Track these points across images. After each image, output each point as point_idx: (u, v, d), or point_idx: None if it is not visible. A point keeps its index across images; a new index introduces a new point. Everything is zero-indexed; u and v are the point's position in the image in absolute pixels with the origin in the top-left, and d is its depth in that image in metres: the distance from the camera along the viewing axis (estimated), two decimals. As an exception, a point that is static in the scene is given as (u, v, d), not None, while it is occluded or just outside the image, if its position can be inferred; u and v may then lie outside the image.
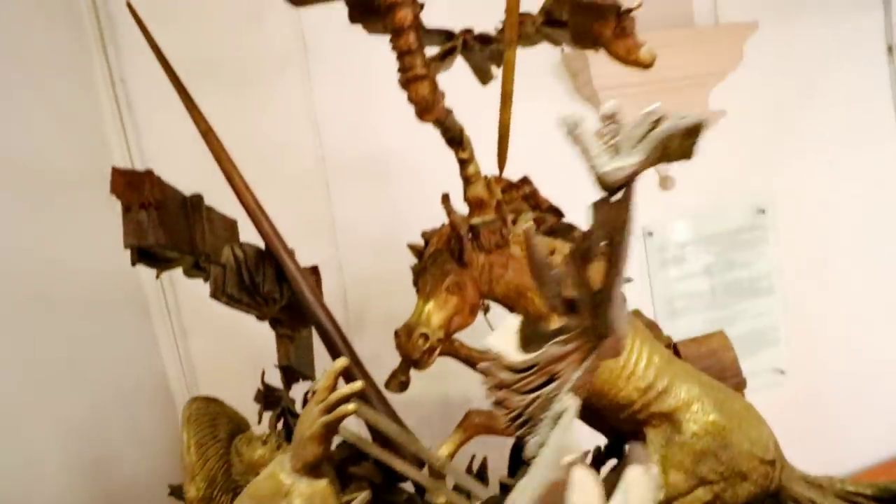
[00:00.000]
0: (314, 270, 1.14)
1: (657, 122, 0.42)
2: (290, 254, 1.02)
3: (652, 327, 1.41)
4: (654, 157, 0.45)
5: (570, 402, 0.46)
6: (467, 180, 1.07)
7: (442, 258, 1.01)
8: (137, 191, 0.83)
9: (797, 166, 2.26)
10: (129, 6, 0.88)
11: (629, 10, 0.76)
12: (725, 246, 2.23)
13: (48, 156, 1.31)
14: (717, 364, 1.21)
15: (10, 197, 1.13)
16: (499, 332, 0.60)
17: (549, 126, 2.15)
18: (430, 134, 1.04)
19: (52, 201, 1.27)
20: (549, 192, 1.98)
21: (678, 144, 0.47)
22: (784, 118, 2.24)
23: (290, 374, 1.13)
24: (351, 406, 0.59)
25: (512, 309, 1.16)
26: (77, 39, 1.55)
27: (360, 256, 1.84)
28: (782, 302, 2.27)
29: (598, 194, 0.52)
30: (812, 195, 2.28)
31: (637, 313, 1.44)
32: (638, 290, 2.13)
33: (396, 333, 0.93)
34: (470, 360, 1.24)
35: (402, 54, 0.77)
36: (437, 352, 0.94)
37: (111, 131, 1.63)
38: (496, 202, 1.10)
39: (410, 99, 0.82)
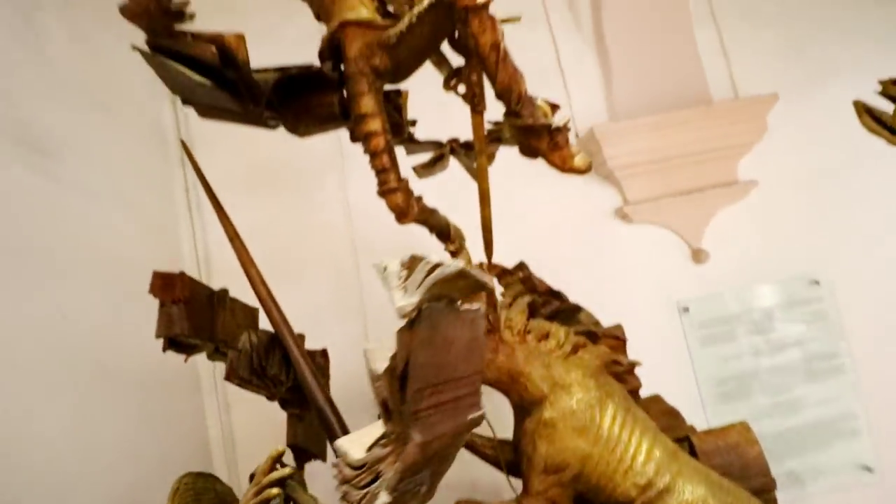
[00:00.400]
0: (323, 353, 1.25)
1: (432, 270, 0.47)
2: (298, 339, 1.14)
3: (671, 415, 1.34)
4: (433, 295, 0.51)
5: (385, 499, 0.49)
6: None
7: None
8: (171, 289, 1.01)
9: (850, 233, 2.10)
10: (182, 142, 1.13)
11: (559, 128, 0.85)
12: (776, 321, 2.05)
13: (126, 251, 1.59)
14: (738, 460, 1.11)
15: (88, 285, 1.39)
16: (354, 434, 0.65)
17: (570, 204, 2.21)
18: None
19: (123, 290, 1.53)
20: (571, 267, 2.02)
21: (461, 284, 0.53)
22: (827, 185, 2.13)
23: (300, 452, 1.21)
24: (275, 490, 0.65)
25: (506, 393, 1.18)
26: (161, 157, 1.93)
27: (388, 335, 1.95)
28: (855, 385, 2.01)
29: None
30: (871, 262, 2.08)
31: (656, 399, 1.38)
32: (676, 370, 2.00)
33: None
34: (473, 445, 1.24)
35: (378, 172, 0.91)
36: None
37: (183, 228, 1.95)
38: (489, 293, 1.16)
39: (388, 206, 0.95)
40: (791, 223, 2.11)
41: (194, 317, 1.03)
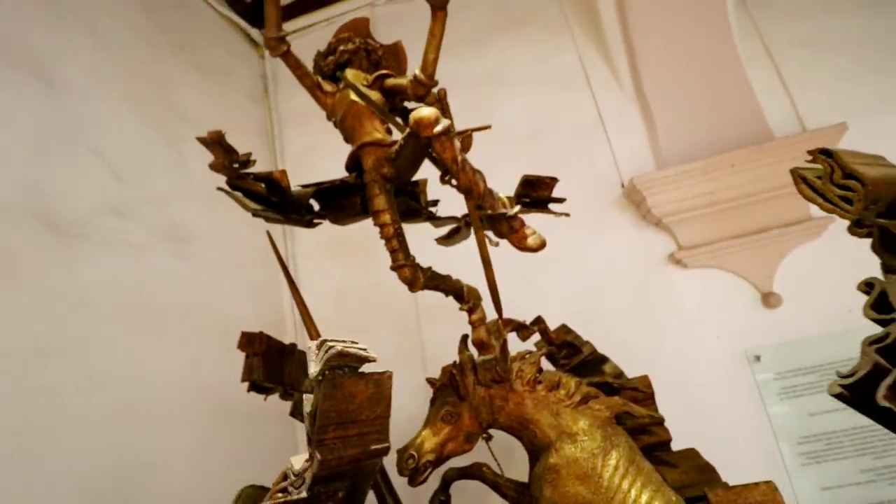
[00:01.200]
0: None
1: (328, 350, 0.66)
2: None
3: (705, 470, 1.32)
4: (331, 365, 0.70)
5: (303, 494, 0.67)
6: (472, 325, 1.34)
7: (446, 391, 1.26)
8: (251, 345, 1.35)
9: None
10: (268, 233, 1.51)
11: (513, 216, 1.01)
12: (879, 372, 1.81)
13: (240, 312, 2.06)
14: (757, 522, 1.07)
15: (211, 340, 1.83)
16: (302, 454, 0.84)
17: (624, 252, 2.25)
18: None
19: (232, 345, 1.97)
20: (626, 316, 2.03)
21: (347, 359, 0.72)
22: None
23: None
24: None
25: (519, 438, 1.30)
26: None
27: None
28: None
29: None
30: None
31: (691, 453, 1.37)
32: (748, 425, 1.86)
33: (397, 452, 1.18)
34: (497, 486, 1.36)
35: (391, 252, 1.17)
36: (428, 472, 1.15)
37: (284, 294, 2.41)
38: (502, 342, 1.31)
39: (399, 279, 1.19)
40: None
41: (269, 366, 1.36)
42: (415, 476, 1.14)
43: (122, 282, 1.60)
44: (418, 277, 1.19)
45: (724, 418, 1.90)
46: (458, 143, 0.97)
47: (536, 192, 1.36)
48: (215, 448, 1.73)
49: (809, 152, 0.85)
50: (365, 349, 0.71)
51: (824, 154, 0.79)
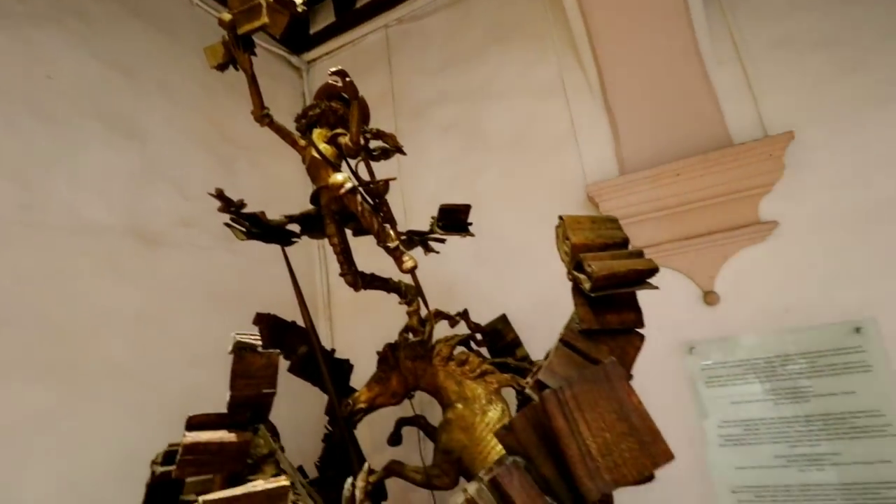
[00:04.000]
0: (347, 361, 2.06)
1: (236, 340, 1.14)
2: (326, 351, 1.98)
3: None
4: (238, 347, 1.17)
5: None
6: (408, 315, 1.82)
7: (383, 362, 1.77)
8: (262, 322, 1.96)
9: None
10: (283, 249, 2.09)
11: (394, 248, 1.44)
12: (808, 371, 1.95)
13: (278, 295, 2.72)
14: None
15: (252, 317, 2.51)
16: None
17: None
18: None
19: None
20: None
21: (248, 354, 1.18)
22: (866, 221, 1.91)
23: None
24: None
25: (434, 397, 1.77)
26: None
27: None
28: (907, 448, 1.77)
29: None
30: None
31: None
32: (680, 409, 2.11)
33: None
34: (402, 475, 1.79)
35: (339, 263, 1.67)
36: (361, 415, 1.68)
37: (317, 278, 3.05)
38: (428, 330, 1.78)
39: (345, 282, 1.70)
40: (825, 264, 1.97)
41: (273, 336, 1.97)
42: (351, 417, 1.68)
43: (191, 274, 2.30)
44: (359, 282, 1.69)
45: (657, 400, 2.13)
46: (359, 198, 1.43)
47: (454, 218, 1.75)
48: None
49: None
50: (257, 338, 1.20)
51: (560, 217, 1.10)
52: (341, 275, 1.69)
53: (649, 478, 0.74)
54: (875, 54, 1.98)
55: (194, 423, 1.10)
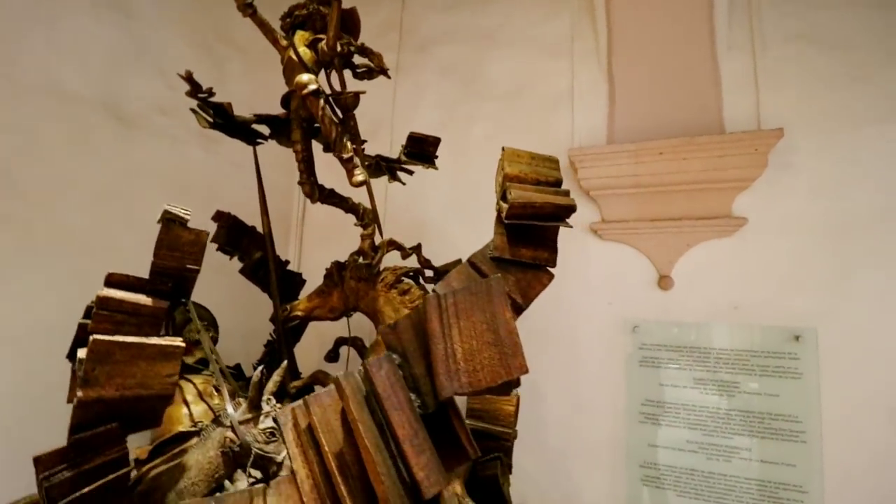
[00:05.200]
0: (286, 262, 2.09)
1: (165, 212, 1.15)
2: (280, 260, 2.00)
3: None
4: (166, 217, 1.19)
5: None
6: (362, 238, 1.83)
7: (329, 277, 1.80)
8: (221, 219, 1.97)
9: (848, 291, 1.85)
10: (254, 150, 2.07)
11: (348, 159, 1.43)
12: (739, 367, 2.00)
13: (248, 203, 2.72)
14: (493, 409, 1.50)
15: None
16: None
17: None
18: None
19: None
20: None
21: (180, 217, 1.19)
22: (833, 234, 1.90)
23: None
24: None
25: (371, 320, 1.81)
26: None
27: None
28: (815, 456, 1.83)
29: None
30: (866, 326, 1.80)
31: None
32: (612, 382, 2.17)
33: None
34: (324, 384, 1.85)
35: (299, 171, 1.66)
36: (295, 321, 1.73)
37: (293, 193, 3.05)
38: (379, 256, 1.79)
39: (302, 192, 1.69)
40: (785, 270, 1.97)
41: (230, 236, 1.98)
42: (286, 322, 1.73)
43: (163, 164, 2.29)
44: (315, 193, 1.69)
45: (592, 370, 2.24)
46: (321, 103, 1.40)
47: (422, 148, 1.73)
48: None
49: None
50: (187, 214, 1.21)
51: (503, 149, 1.09)
52: (299, 183, 1.69)
53: (504, 386, 0.77)
54: (887, 68, 1.91)
55: (113, 281, 1.12)
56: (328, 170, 1.90)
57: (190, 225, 1.18)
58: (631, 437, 2.10)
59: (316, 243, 3.02)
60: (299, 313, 1.73)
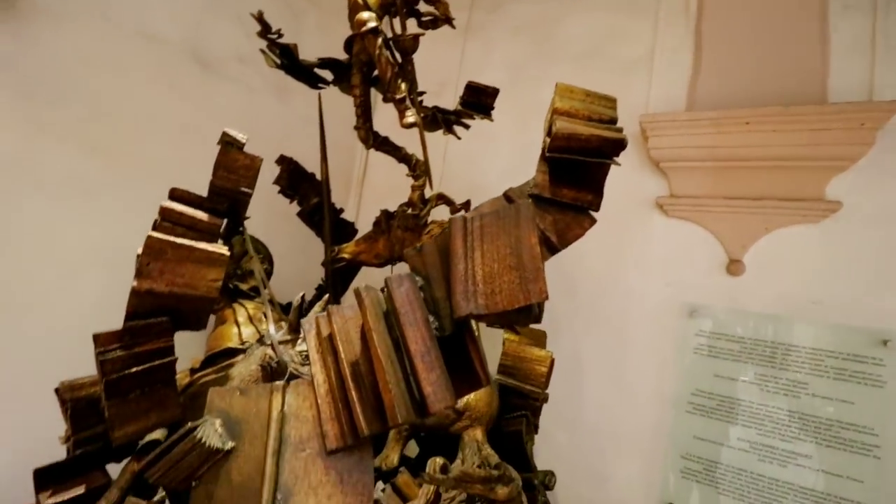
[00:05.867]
0: (341, 210, 2.15)
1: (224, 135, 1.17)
2: (333, 206, 2.07)
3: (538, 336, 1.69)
4: (225, 139, 1.21)
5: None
6: (412, 189, 1.83)
7: (377, 225, 1.83)
8: (283, 163, 2.06)
9: None
10: (319, 97, 2.13)
11: (400, 99, 1.40)
12: (811, 368, 1.80)
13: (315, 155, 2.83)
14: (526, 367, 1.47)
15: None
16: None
17: (616, 185, 2.39)
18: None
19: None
20: (589, 240, 2.23)
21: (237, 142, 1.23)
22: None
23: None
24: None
25: (414, 271, 1.82)
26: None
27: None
28: (889, 475, 1.62)
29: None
30: None
31: (538, 333, 1.73)
32: (662, 368, 2.04)
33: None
34: None
35: (356, 116, 1.68)
36: (342, 263, 1.78)
37: (355, 148, 3.12)
38: (428, 208, 1.80)
39: (357, 137, 1.72)
40: (875, 264, 1.72)
41: (291, 180, 2.08)
42: (333, 262, 1.79)
43: (237, 109, 2.43)
44: (370, 139, 1.71)
45: (639, 352, 2.12)
46: (380, 42, 1.40)
47: (479, 98, 1.69)
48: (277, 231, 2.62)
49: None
50: (244, 139, 1.26)
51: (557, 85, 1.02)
52: (356, 128, 1.72)
53: (522, 314, 0.74)
54: None
55: (176, 195, 1.21)
56: (391, 128, 1.92)
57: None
58: (675, 427, 1.98)
59: (373, 203, 3.08)
60: (346, 255, 1.79)
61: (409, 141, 1.83)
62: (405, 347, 0.76)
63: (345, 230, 2.18)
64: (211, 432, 0.80)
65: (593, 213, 0.97)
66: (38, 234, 1.81)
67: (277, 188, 2.08)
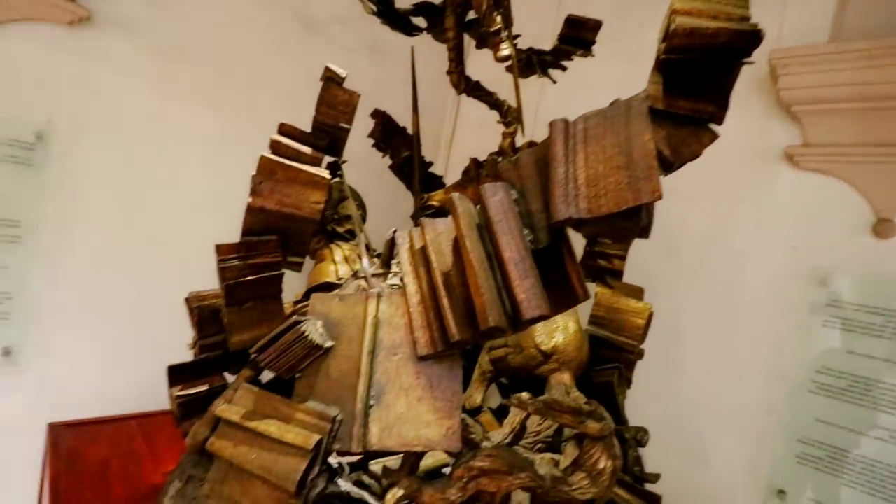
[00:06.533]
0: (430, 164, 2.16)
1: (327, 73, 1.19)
2: (423, 159, 2.09)
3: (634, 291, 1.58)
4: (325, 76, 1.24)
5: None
6: (503, 137, 1.79)
7: (465, 174, 1.82)
8: (377, 117, 2.11)
9: None
10: (412, 49, 2.15)
11: (495, 31, 1.33)
12: None
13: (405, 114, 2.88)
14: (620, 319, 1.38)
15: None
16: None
17: (739, 131, 2.16)
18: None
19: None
20: (703, 192, 2.01)
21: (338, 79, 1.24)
22: None
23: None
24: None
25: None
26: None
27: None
28: None
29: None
30: None
31: (633, 289, 1.61)
32: (769, 329, 1.82)
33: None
34: None
35: (448, 60, 1.66)
36: (430, 210, 1.80)
37: (447, 113, 3.12)
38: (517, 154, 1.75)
39: (449, 81, 1.69)
40: None
41: (384, 134, 2.13)
42: (422, 209, 1.81)
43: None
44: (461, 84, 1.69)
45: (753, 322, 1.89)
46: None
47: (579, 32, 1.57)
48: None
49: None
50: (344, 74, 1.30)
51: None
52: (448, 72, 1.70)
53: (627, 219, 0.67)
54: None
55: (283, 131, 1.30)
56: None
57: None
58: (794, 407, 1.76)
59: (461, 164, 3.06)
60: (434, 203, 1.80)
61: (501, 88, 1.78)
62: (498, 256, 0.74)
63: (433, 183, 2.20)
64: (312, 330, 0.85)
65: (714, 128, 0.85)
66: (171, 180, 2.06)
67: (370, 144, 2.15)
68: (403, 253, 0.86)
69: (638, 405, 1.79)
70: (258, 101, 2.28)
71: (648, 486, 1.29)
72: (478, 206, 0.84)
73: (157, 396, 1.49)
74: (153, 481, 1.45)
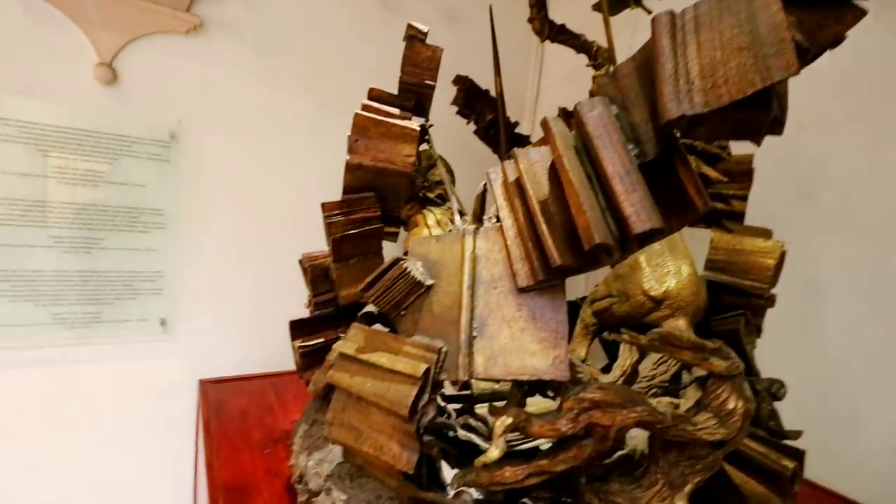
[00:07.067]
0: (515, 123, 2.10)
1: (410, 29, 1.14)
2: (508, 120, 2.04)
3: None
4: (409, 35, 1.20)
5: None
6: (593, 80, 1.67)
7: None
8: (459, 83, 2.10)
9: None
10: (490, 8, 2.09)
11: None
12: None
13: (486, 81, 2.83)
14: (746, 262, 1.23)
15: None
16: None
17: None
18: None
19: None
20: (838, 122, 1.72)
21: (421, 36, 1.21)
22: None
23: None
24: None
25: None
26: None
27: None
28: None
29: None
30: None
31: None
32: None
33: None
34: None
35: (529, 7, 1.58)
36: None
37: (530, 75, 3.01)
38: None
39: (532, 29, 1.62)
40: None
41: (468, 99, 2.12)
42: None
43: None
44: (544, 30, 1.61)
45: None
46: None
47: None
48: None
49: None
50: (426, 29, 1.29)
51: None
52: (530, 20, 1.63)
53: (755, 105, 0.58)
54: None
55: (373, 95, 1.34)
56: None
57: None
58: None
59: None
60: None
61: (589, 31, 1.66)
62: (600, 173, 0.69)
63: (520, 143, 2.14)
64: (413, 268, 0.87)
65: (861, 3, 0.70)
66: (280, 166, 2.26)
67: (454, 113, 2.16)
68: (497, 188, 0.84)
69: (769, 369, 1.59)
70: (347, 83, 2.40)
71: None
72: (572, 132, 0.80)
73: (283, 359, 1.66)
74: (283, 427, 1.65)
